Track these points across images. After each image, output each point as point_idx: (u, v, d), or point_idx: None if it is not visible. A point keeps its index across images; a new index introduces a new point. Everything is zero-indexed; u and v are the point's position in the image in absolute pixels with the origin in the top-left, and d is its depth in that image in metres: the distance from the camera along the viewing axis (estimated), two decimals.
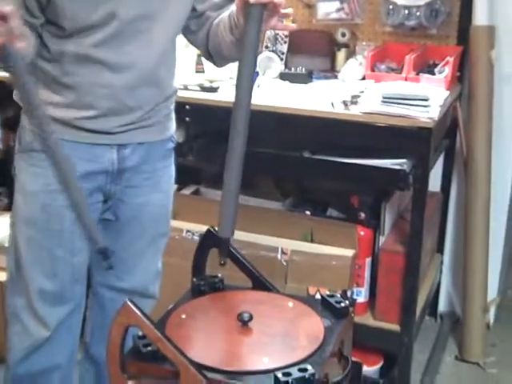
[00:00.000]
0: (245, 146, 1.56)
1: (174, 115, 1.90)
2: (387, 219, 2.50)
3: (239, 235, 2.38)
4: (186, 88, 2.58)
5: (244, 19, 1.56)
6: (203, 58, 2.68)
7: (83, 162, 1.72)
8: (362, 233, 2.46)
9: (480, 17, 2.65)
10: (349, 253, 2.42)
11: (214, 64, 1.93)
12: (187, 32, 1.83)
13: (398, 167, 2.28)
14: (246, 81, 1.54)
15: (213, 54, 1.83)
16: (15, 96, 1.75)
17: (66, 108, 1.68)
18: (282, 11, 1.58)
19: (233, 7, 1.67)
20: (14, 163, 1.80)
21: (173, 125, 1.90)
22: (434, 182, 2.82)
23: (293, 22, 2.88)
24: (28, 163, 1.75)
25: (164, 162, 1.87)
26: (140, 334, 1.35)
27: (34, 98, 1.49)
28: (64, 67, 1.65)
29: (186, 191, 2.79)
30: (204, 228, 1.63)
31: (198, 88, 2.58)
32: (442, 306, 3.09)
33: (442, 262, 3.01)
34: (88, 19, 1.57)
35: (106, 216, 1.84)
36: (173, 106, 1.88)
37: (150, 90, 1.67)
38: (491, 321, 2.97)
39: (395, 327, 2.46)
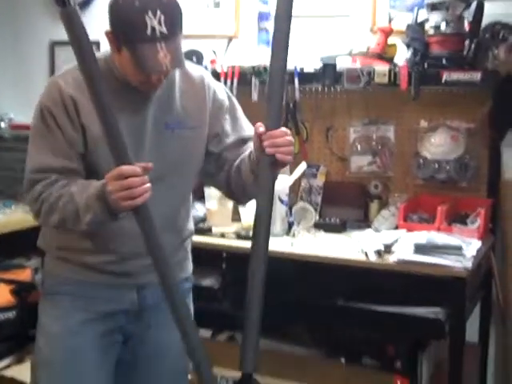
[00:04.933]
0: (264, 279, 1.59)
1: (190, 256, 1.94)
2: (424, 369, 2.46)
3: (273, 382, 2.36)
4: (222, 236, 2.67)
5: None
6: (240, 207, 2.80)
7: (103, 303, 1.77)
8: (399, 383, 2.41)
9: (509, 171, 2.74)
10: None
11: (238, 202, 2.02)
12: (207, 175, 1.90)
13: (432, 316, 2.28)
14: (264, 227, 1.61)
15: (237, 194, 1.87)
16: (39, 243, 1.85)
17: (90, 253, 1.74)
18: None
19: (250, 147, 1.75)
20: (39, 306, 1.85)
21: (189, 265, 1.94)
22: (472, 333, 2.77)
23: (327, 174, 3.03)
24: (50, 306, 1.81)
25: None
26: None
27: (155, 238, 1.56)
28: None
29: (221, 337, 2.79)
30: (239, 374, 1.63)
31: (235, 236, 2.65)
32: None
33: None
34: None
35: (124, 357, 1.84)
36: (189, 248, 1.93)
37: (169, 234, 1.69)
38: None
39: None
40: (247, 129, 1.88)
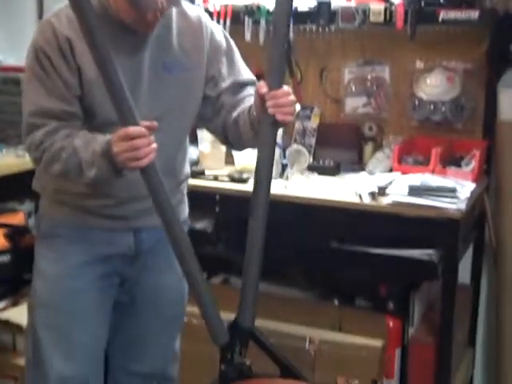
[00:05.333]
0: (264, 239, 1.62)
1: (186, 199, 1.95)
2: (416, 310, 2.48)
3: (267, 324, 2.38)
4: (215, 179, 2.65)
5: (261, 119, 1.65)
6: (233, 150, 2.78)
7: (101, 246, 1.78)
8: (391, 323, 2.43)
9: (505, 112, 2.71)
10: (378, 343, 2.39)
11: (232, 148, 2.05)
12: (204, 119, 1.89)
13: (426, 258, 2.29)
14: (265, 181, 1.63)
15: (234, 144, 1.89)
16: (34, 185, 1.84)
17: (84, 196, 1.74)
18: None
19: (250, 102, 1.74)
20: (35, 249, 1.86)
21: (185, 209, 1.94)
22: (464, 274, 2.79)
23: (321, 116, 2.99)
24: (48, 248, 1.81)
25: None
26: None
27: (163, 195, 1.58)
28: None
29: (216, 280, 2.80)
30: (233, 317, 1.65)
31: (228, 179, 2.64)
32: None
33: (474, 356, 2.95)
34: (111, 116, 1.61)
35: (121, 299, 1.88)
36: (185, 191, 1.94)
37: (165, 178, 1.66)
38: None
39: None
40: (244, 72, 1.86)
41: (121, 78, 1.51)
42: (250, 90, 1.83)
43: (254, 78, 1.89)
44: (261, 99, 1.61)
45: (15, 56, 3.15)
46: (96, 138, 1.59)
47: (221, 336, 1.57)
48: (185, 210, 1.94)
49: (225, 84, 1.82)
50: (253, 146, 1.84)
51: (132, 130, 1.51)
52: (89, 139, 1.60)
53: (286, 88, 1.62)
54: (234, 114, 1.80)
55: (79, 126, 1.66)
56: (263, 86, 1.60)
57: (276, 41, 1.62)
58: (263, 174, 1.63)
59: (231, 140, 1.86)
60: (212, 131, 1.95)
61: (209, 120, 1.87)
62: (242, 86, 1.84)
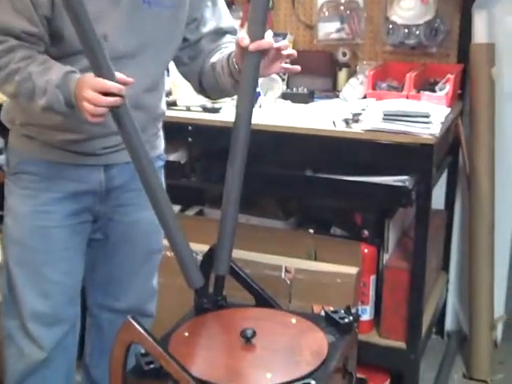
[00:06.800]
0: (240, 194, 1.60)
1: (162, 133, 1.91)
2: (391, 236, 2.50)
3: (242, 254, 2.39)
4: (188, 109, 2.61)
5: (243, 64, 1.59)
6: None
7: (70, 183, 1.75)
8: (366, 250, 2.46)
9: (480, 35, 2.67)
10: (353, 270, 2.41)
11: (207, 97, 1.96)
12: (179, 63, 1.85)
13: (400, 184, 2.28)
14: (244, 123, 1.58)
15: (208, 90, 1.85)
16: (2, 118, 1.80)
17: (52, 130, 1.69)
18: (286, 53, 1.60)
19: (230, 50, 1.69)
20: (5, 186, 1.82)
21: (161, 143, 1.92)
22: (438, 200, 2.82)
23: (294, 42, 2.93)
24: (16, 185, 1.77)
25: None
26: (142, 351, 1.35)
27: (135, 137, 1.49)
28: None
29: (190, 212, 2.79)
30: (207, 248, 1.64)
31: (200, 109, 2.59)
32: (448, 325, 3.07)
33: (447, 280, 3.00)
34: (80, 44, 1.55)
35: (95, 236, 1.86)
36: (160, 125, 1.90)
37: (137, 114, 1.56)
38: (498, 338, 2.95)
39: (401, 345, 2.45)
40: (226, 19, 1.81)
41: (91, 22, 1.40)
42: (230, 38, 1.79)
43: (235, 26, 1.85)
44: (241, 51, 1.56)
45: None
46: (54, 67, 1.53)
47: (196, 281, 1.57)
48: (160, 145, 1.91)
49: (205, 29, 1.78)
50: (227, 95, 1.83)
51: (112, 85, 1.41)
52: (47, 66, 1.54)
53: (268, 38, 1.55)
54: (212, 60, 1.75)
55: (41, 52, 1.59)
56: (243, 39, 1.53)
57: None
58: (243, 120, 1.59)
59: (205, 86, 1.82)
60: (186, 76, 1.90)
61: (184, 64, 1.84)
62: (222, 33, 1.80)
